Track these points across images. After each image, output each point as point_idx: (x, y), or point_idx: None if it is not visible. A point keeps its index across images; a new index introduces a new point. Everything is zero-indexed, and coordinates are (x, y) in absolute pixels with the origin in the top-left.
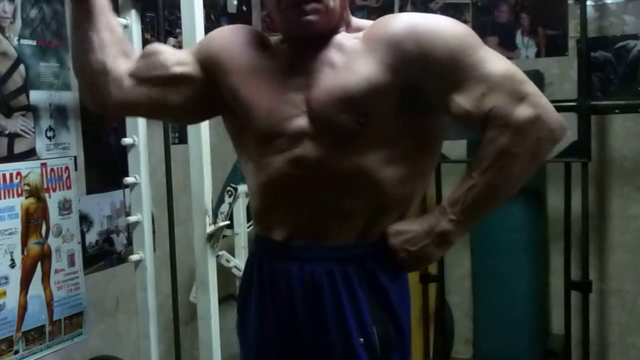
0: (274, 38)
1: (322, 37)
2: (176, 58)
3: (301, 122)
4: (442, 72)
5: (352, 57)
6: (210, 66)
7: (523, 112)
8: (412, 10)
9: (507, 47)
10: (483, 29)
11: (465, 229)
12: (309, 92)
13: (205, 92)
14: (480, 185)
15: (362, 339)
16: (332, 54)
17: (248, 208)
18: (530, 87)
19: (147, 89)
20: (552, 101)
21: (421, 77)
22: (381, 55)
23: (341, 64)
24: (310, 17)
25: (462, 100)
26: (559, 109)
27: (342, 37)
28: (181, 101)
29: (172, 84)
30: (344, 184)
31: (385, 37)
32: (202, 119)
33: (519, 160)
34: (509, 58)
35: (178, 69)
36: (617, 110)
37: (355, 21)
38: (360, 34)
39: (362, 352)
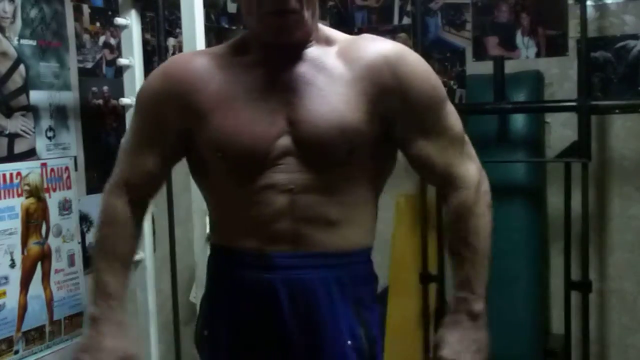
0: (221, 48)
1: (296, 48)
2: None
3: (285, 141)
4: (415, 112)
5: (336, 80)
6: (192, 104)
7: (476, 172)
8: (412, 10)
9: (507, 47)
10: (483, 29)
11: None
12: (292, 111)
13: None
14: (471, 255)
15: (350, 342)
16: (312, 73)
17: None
18: (473, 151)
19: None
20: (552, 101)
21: (396, 110)
22: (364, 84)
23: (325, 87)
24: (291, 26)
25: (428, 146)
26: (559, 109)
27: (317, 52)
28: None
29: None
30: (326, 198)
31: (366, 65)
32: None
33: (484, 213)
34: (509, 58)
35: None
36: (617, 110)
37: (323, 30)
38: (334, 51)
39: (351, 354)
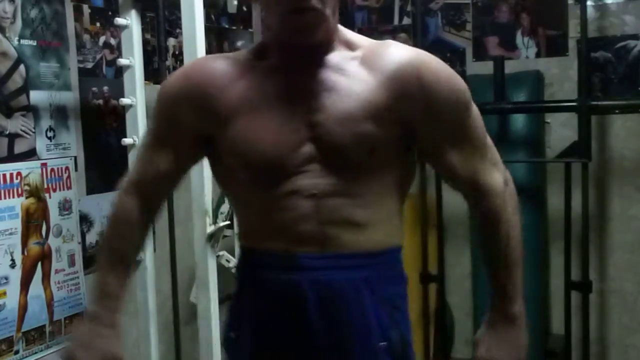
0: (241, 53)
1: (317, 52)
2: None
3: (308, 148)
4: (439, 119)
5: (358, 87)
6: (195, 118)
7: (500, 177)
8: (412, 10)
9: (507, 47)
10: (483, 29)
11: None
12: (314, 116)
13: (193, 146)
14: (505, 264)
15: (382, 343)
16: (334, 78)
17: None
18: (497, 153)
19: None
20: (552, 101)
21: (420, 118)
22: (388, 91)
23: (346, 90)
24: (311, 25)
25: (452, 154)
26: (559, 109)
27: (338, 57)
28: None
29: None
30: (351, 201)
31: (390, 72)
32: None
33: (512, 218)
34: (509, 58)
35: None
36: (617, 110)
37: (343, 32)
38: (356, 55)
39: (384, 356)
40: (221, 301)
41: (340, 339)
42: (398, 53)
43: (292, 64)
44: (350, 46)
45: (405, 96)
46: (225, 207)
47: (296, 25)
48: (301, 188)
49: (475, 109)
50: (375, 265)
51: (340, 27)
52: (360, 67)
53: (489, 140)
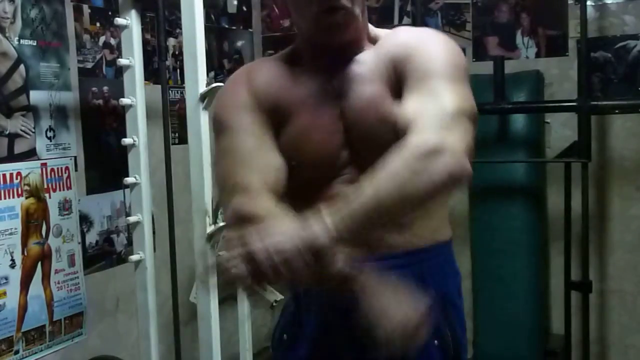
0: (275, 58)
1: (349, 51)
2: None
3: (346, 152)
4: (413, 75)
5: (372, 75)
6: (272, 106)
7: (430, 139)
8: (412, 10)
9: (507, 47)
10: (483, 29)
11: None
12: (345, 117)
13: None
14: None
15: (436, 341)
16: (358, 69)
17: None
18: (463, 128)
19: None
20: (552, 101)
21: (404, 77)
22: (388, 70)
23: (368, 80)
24: (342, 24)
25: (409, 102)
26: (559, 109)
27: (367, 55)
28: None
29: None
30: None
31: (388, 51)
32: None
33: (415, 170)
34: (509, 58)
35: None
36: (617, 111)
37: (372, 30)
38: (376, 46)
39: (437, 354)
40: (221, 301)
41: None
42: (403, 33)
43: (325, 67)
44: (374, 41)
45: (396, 64)
46: None
47: (328, 24)
48: (342, 192)
49: (461, 85)
50: (425, 261)
51: (370, 27)
52: (375, 55)
53: (465, 117)
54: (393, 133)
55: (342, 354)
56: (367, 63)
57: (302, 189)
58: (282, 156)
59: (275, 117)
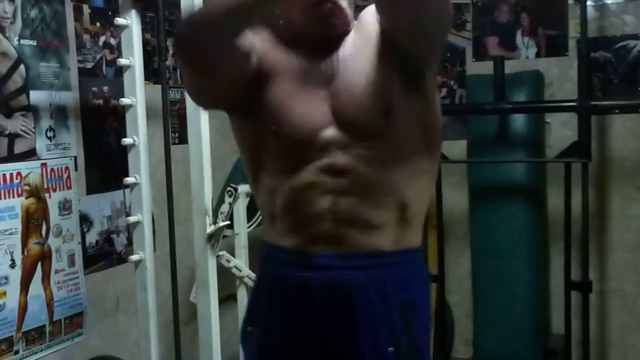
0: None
1: (338, 38)
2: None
3: (330, 132)
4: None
5: (359, 51)
6: (261, 59)
7: None
8: None
9: (507, 47)
10: (483, 29)
11: None
12: (333, 100)
13: (247, 81)
14: None
15: (391, 348)
16: (345, 52)
17: (248, 208)
18: None
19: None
20: (552, 101)
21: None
22: (373, 39)
23: (353, 60)
24: (331, 16)
25: None
26: (559, 109)
27: (350, 38)
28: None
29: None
30: (372, 198)
31: (370, 24)
32: (227, 108)
33: None
34: (509, 58)
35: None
36: (617, 110)
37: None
38: (356, 29)
39: None
40: (221, 301)
41: (347, 342)
42: (366, 11)
43: (314, 45)
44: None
45: (378, 33)
46: (225, 207)
47: (318, 16)
48: (320, 182)
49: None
50: (388, 266)
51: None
52: (356, 34)
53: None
54: (383, 120)
55: (290, 349)
56: (352, 45)
57: (280, 162)
58: (263, 117)
59: (266, 67)
